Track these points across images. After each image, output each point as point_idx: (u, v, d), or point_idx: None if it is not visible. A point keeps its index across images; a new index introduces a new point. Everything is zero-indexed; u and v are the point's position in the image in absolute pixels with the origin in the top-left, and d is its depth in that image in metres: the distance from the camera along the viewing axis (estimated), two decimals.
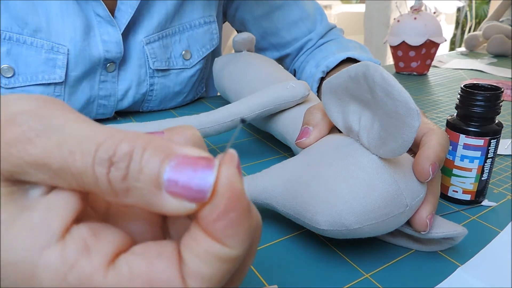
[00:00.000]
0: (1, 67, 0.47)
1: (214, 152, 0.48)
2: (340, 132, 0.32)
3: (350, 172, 0.26)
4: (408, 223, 0.28)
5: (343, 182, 0.26)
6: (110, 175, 0.13)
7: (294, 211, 0.28)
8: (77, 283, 0.13)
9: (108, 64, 0.55)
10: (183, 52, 0.61)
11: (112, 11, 0.53)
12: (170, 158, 0.13)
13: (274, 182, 0.30)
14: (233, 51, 0.61)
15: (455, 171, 0.35)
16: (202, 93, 0.72)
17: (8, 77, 0.48)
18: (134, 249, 0.14)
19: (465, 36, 1.58)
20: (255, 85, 0.48)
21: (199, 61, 0.64)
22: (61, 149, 0.13)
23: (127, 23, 0.54)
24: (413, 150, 0.30)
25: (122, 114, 0.62)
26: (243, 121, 0.15)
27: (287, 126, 0.42)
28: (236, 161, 0.14)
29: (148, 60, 0.58)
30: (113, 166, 0.13)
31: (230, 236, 0.13)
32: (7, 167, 0.13)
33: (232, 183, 0.13)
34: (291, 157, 0.46)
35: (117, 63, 0.56)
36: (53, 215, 0.13)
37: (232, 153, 0.14)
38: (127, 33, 0.56)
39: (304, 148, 0.32)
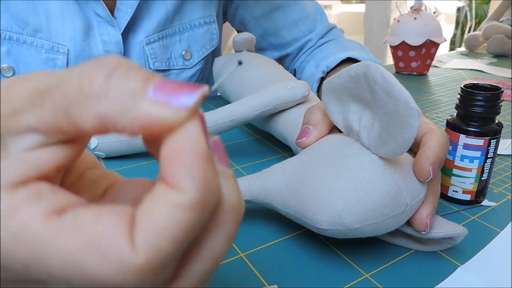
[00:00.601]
0: (1, 66, 0.47)
1: None
2: (340, 131, 0.32)
3: (350, 172, 0.26)
4: (408, 223, 0.28)
5: (343, 181, 0.26)
6: (92, 73, 0.13)
7: (294, 211, 0.28)
8: (16, 229, 0.12)
9: None
10: (183, 52, 0.61)
11: (111, 11, 0.53)
12: (157, 79, 0.13)
13: (274, 182, 0.30)
14: (233, 51, 0.61)
15: (455, 171, 0.35)
16: None
17: (8, 77, 0.48)
18: (87, 205, 0.13)
19: (465, 36, 1.58)
20: (255, 85, 0.48)
21: (199, 61, 0.64)
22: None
23: (126, 23, 0.54)
24: (413, 150, 0.30)
25: None
26: (240, 62, 0.16)
27: (287, 126, 0.42)
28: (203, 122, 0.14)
29: (148, 61, 0.58)
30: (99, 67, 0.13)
31: (184, 177, 0.12)
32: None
33: (196, 128, 0.13)
34: (291, 157, 0.46)
35: None
36: (17, 166, 0.13)
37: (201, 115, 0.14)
38: (127, 33, 0.56)
39: (304, 148, 0.32)
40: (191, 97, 0.13)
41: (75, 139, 0.15)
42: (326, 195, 0.26)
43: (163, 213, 0.12)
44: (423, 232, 0.27)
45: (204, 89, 0.13)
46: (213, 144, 0.15)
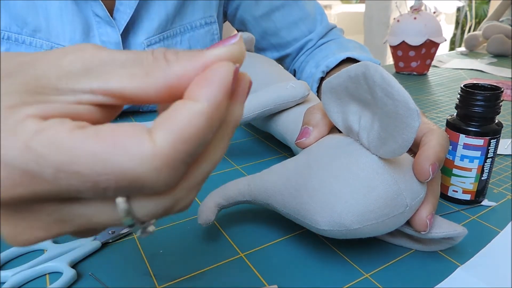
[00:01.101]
0: None
1: None
2: (340, 132, 0.32)
3: (350, 172, 0.26)
4: (408, 223, 0.28)
5: (343, 182, 0.26)
6: (166, 53, 0.16)
7: (294, 211, 0.28)
8: (46, 141, 0.13)
9: None
10: None
11: (110, 11, 0.53)
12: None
13: (274, 183, 0.30)
14: None
15: (455, 171, 0.35)
16: None
17: None
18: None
19: (465, 36, 1.58)
20: (255, 85, 0.48)
21: None
22: None
23: (125, 24, 0.54)
24: (413, 150, 0.30)
25: (121, 114, 0.62)
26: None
27: (287, 126, 0.42)
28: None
29: None
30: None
31: (203, 92, 0.15)
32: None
33: (229, 66, 0.16)
34: (290, 157, 0.46)
35: None
36: (55, 108, 0.15)
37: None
38: (127, 34, 0.56)
39: (304, 148, 0.32)
40: (234, 38, 0.16)
41: (119, 106, 0.17)
42: (326, 196, 0.26)
43: (180, 117, 0.14)
44: (423, 232, 0.27)
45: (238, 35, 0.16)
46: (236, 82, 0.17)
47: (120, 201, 0.15)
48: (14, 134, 0.13)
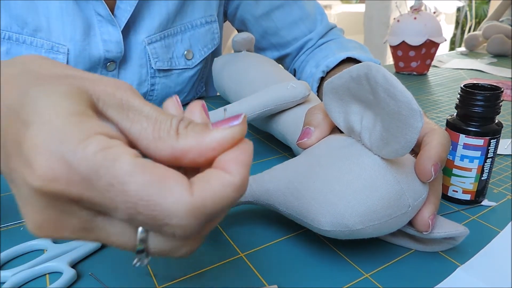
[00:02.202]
0: None
1: None
2: (341, 132, 0.32)
3: (352, 173, 0.26)
4: (410, 223, 0.28)
5: (345, 183, 0.26)
6: (179, 125, 0.18)
7: (296, 212, 0.28)
8: (108, 160, 0.15)
9: (108, 63, 0.55)
10: (185, 52, 0.62)
11: (111, 10, 0.53)
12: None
13: (276, 183, 0.30)
14: (232, 51, 0.61)
15: (455, 171, 0.35)
16: (202, 92, 0.72)
17: None
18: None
19: (465, 36, 1.58)
20: (255, 85, 0.48)
21: (201, 61, 0.64)
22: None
23: (126, 21, 0.54)
24: (415, 150, 0.30)
25: None
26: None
27: (287, 127, 0.42)
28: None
29: (150, 60, 0.58)
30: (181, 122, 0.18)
31: (235, 165, 0.17)
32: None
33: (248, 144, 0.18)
34: (291, 157, 0.46)
35: (117, 62, 0.56)
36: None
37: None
38: (128, 32, 0.56)
39: (305, 149, 0.32)
40: (238, 120, 0.18)
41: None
42: (328, 197, 0.26)
43: (216, 182, 0.16)
44: (425, 233, 0.27)
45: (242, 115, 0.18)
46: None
47: (141, 230, 0.17)
48: (84, 144, 0.15)
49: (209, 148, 0.17)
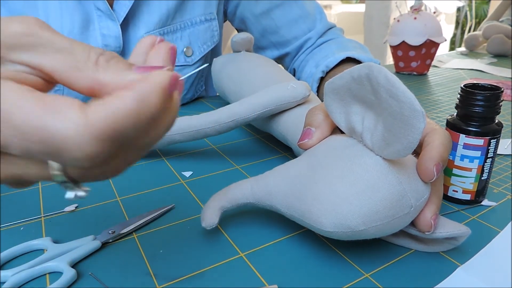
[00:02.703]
0: None
1: (213, 152, 0.48)
2: (342, 133, 0.32)
3: (354, 174, 0.26)
4: (412, 223, 0.28)
5: (348, 183, 0.26)
6: (100, 57, 0.17)
7: (298, 214, 0.28)
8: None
9: None
10: (185, 48, 0.62)
11: (110, 5, 0.53)
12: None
13: (277, 185, 0.30)
14: (232, 52, 0.61)
15: (455, 170, 0.35)
16: (202, 92, 0.72)
17: None
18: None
19: (465, 36, 1.58)
20: (255, 85, 0.48)
21: (201, 58, 0.64)
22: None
23: (125, 15, 0.54)
24: (416, 150, 0.30)
25: None
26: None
27: (288, 127, 0.42)
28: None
29: None
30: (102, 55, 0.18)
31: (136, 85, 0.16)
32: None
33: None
34: (291, 157, 0.46)
35: None
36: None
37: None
38: (127, 27, 0.56)
39: (306, 150, 0.32)
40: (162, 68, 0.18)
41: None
42: (331, 198, 0.26)
43: (112, 100, 0.16)
44: (427, 233, 0.27)
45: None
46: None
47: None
48: None
49: (126, 86, 0.16)
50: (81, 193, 0.18)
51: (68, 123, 0.15)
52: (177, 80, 0.17)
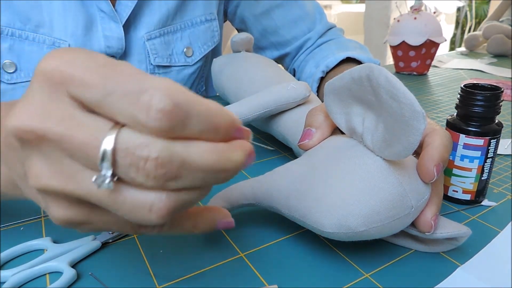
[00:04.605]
0: (3, 62, 0.48)
1: None
2: (343, 133, 0.32)
3: (355, 175, 0.26)
4: (413, 224, 0.28)
5: (348, 184, 0.26)
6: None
7: (299, 215, 0.28)
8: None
9: None
10: (185, 49, 0.62)
11: (113, 5, 0.53)
12: None
13: (278, 186, 0.30)
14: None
15: (455, 171, 0.35)
16: (202, 92, 0.72)
17: (10, 73, 0.48)
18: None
19: (465, 36, 1.58)
20: (254, 86, 0.48)
21: (201, 58, 0.64)
22: None
23: (127, 17, 0.54)
24: (416, 150, 0.30)
25: None
26: None
27: (288, 128, 0.41)
28: None
29: (149, 56, 0.58)
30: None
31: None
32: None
33: None
34: (291, 157, 0.46)
35: (117, 58, 0.56)
36: None
37: None
38: (128, 28, 0.56)
39: (307, 150, 0.32)
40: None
41: None
42: (331, 199, 0.26)
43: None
44: (427, 233, 0.27)
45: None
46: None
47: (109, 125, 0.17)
48: None
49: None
50: (107, 179, 0.18)
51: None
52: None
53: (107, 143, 0.16)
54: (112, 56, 0.55)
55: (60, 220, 0.20)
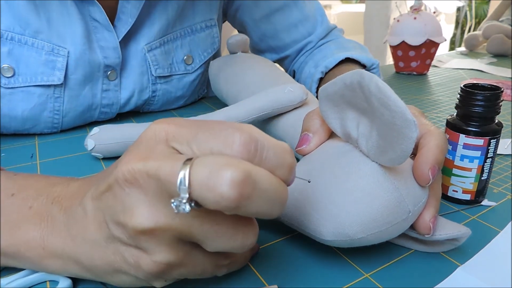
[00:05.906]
0: (2, 66, 0.47)
1: None
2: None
3: (351, 182, 0.26)
4: (412, 226, 0.28)
5: (345, 192, 0.25)
6: None
7: (297, 222, 0.28)
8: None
9: (109, 72, 0.54)
10: (185, 57, 0.61)
11: (113, 14, 0.53)
12: None
13: None
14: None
15: (455, 170, 0.35)
16: (203, 94, 0.72)
17: (8, 77, 0.48)
18: None
19: (465, 36, 1.58)
20: (252, 87, 0.48)
21: (201, 65, 0.64)
22: None
23: (126, 32, 0.53)
24: (413, 151, 0.30)
25: (121, 115, 0.62)
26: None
27: (286, 130, 0.41)
28: None
29: (150, 68, 0.58)
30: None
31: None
32: None
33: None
34: None
35: (118, 71, 0.55)
36: None
37: None
38: (128, 41, 0.55)
39: (304, 155, 0.32)
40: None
41: None
42: (329, 207, 0.26)
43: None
44: (426, 235, 0.27)
45: None
46: None
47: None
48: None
49: None
50: (187, 207, 0.20)
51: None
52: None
53: (184, 170, 0.18)
54: (112, 68, 0.54)
55: (162, 263, 0.21)
